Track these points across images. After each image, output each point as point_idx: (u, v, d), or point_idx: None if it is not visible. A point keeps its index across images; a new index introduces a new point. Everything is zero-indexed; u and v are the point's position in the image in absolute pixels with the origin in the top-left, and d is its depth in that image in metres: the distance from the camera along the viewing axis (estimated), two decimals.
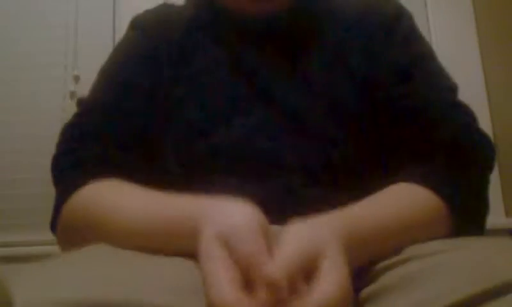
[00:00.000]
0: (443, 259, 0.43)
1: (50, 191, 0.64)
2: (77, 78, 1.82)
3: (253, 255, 0.40)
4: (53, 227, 0.62)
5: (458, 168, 0.59)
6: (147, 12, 0.77)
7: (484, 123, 1.76)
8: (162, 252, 0.48)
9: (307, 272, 0.40)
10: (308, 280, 0.40)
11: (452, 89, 0.67)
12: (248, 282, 0.40)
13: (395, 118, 0.64)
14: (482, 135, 0.63)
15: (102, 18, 1.89)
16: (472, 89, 1.80)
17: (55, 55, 1.86)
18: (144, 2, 0.77)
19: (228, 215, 0.44)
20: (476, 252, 0.43)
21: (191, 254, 0.45)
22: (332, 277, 0.39)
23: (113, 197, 0.56)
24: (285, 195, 0.60)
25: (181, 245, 0.47)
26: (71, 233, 0.60)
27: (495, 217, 1.71)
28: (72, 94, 1.80)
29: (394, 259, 0.48)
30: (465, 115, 0.64)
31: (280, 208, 0.59)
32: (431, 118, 0.63)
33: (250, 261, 0.40)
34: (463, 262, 0.42)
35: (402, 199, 0.54)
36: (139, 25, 0.74)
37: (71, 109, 0.69)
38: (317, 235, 0.43)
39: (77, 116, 0.67)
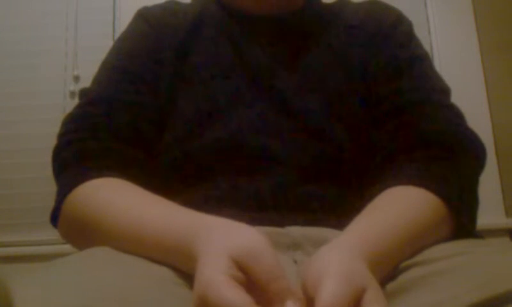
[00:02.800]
0: (457, 263, 0.45)
1: (50, 191, 0.64)
2: (77, 79, 1.83)
3: (272, 270, 0.40)
4: (53, 219, 0.62)
5: (452, 167, 0.59)
6: (154, 5, 0.77)
7: (484, 123, 1.78)
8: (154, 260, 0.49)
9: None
10: None
11: (444, 90, 0.68)
12: (266, 299, 0.39)
13: (387, 114, 0.65)
14: (473, 135, 0.64)
15: (102, 18, 1.90)
16: (472, 89, 1.80)
17: (55, 55, 1.86)
18: (145, 2, 0.77)
19: (237, 236, 0.43)
20: (489, 257, 0.45)
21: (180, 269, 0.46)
22: None
23: (111, 200, 0.57)
24: (281, 191, 0.61)
25: (171, 261, 0.48)
26: (70, 228, 0.61)
27: (495, 217, 1.71)
28: (72, 94, 1.80)
29: (411, 260, 0.49)
30: (455, 116, 0.65)
31: (275, 204, 0.60)
32: (422, 116, 0.63)
33: (269, 277, 0.39)
34: (475, 266, 0.43)
35: (410, 208, 0.55)
36: (144, 16, 0.74)
37: (71, 109, 0.69)
38: (357, 268, 0.42)
39: (79, 107, 0.67)
